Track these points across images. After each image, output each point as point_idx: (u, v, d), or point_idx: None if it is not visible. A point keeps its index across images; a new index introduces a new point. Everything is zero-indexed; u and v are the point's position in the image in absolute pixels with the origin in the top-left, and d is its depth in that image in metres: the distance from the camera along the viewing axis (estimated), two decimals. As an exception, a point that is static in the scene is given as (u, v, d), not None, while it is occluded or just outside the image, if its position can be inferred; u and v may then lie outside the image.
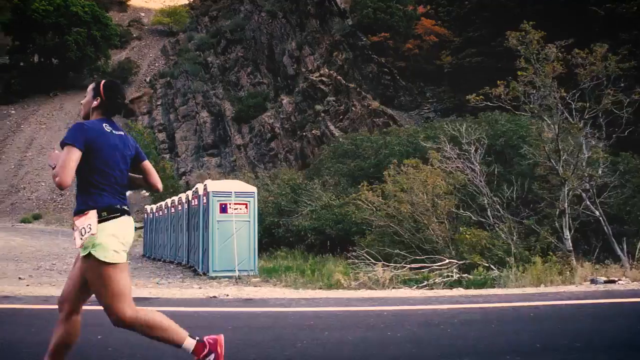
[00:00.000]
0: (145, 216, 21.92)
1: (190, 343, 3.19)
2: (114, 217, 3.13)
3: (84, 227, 3.08)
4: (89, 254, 3.05)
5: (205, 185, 12.77)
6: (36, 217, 36.53)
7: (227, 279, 11.74)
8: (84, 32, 48.77)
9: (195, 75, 44.76)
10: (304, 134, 30.56)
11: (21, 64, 49.65)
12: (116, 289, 3.09)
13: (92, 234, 3.04)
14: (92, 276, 3.09)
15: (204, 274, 12.11)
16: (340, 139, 20.33)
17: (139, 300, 6.57)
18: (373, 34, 36.12)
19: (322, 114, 30.33)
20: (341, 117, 29.78)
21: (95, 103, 3.35)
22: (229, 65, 45.29)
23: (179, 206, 16.45)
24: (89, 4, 51.24)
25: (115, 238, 3.12)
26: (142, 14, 65.06)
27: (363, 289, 9.28)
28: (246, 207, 12.38)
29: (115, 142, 3.30)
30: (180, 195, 16.96)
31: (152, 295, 7.11)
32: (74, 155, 3.11)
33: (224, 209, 12.19)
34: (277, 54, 41.41)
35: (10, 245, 24.55)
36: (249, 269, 12.15)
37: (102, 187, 3.18)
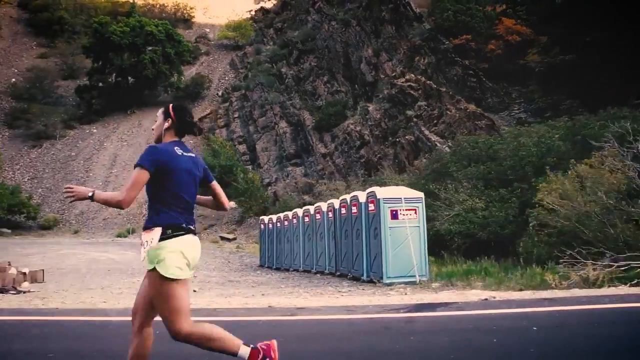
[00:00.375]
0: (262, 227, 22.21)
1: (245, 351, 3.32)
2: (178, 235, 3.27)
3: (147, 241, 3.27)
4: (154, 268, 3.21)
5: (371, 192, 12.88)
6: (130, 232, 37.55)
7: (404, 284, 11.80)
8: (159, 50, 50.05)
9: (271, 87, 45.32)
10: (397, 139, 30.53)
11: (100, 85, 51.21)
12: (175, 304, 3.23)
13: (152, 247, 3.22)
14: (155, 290, 3.26)
15: (378, 280, 12.16)
16: (464, 143, 20.19)
17: (442, 307, 6.69)
18: (454, 36, 35.90)
19: (415, 119, 30.23)
20: (435, 121, 29.64)
21: (166, 125, 3.52)
22: (303, 75, 45.72)
23: (317, 215, 16.64)
24: (162, 22, 52.62)
25: (179, 255, 3.25)
26: (207, 30, 66.36)
27: (575, 288, 9.21)
28: (415, 213, 12.44)
29: (186, 164, 3.46)
30: (318, 204, 17.16)
31: (451, 300, 7.18)
32: (142, 178, 3.30)
33: (394, 215, 12.28)
34: (354, 61, 41.57)
35: (126, 259, 25.32)
36: (421, 274, 12.19)
37: (170, 207, 3.34)
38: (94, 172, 45.02)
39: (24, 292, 12.88)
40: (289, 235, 19.02)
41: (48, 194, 43.23)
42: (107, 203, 3.36)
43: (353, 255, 13.79)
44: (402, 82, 33.16)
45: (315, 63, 45.47)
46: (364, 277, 12.98)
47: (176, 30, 55.99)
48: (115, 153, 47.02)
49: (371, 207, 12.73)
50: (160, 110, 3.64)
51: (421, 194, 12.92)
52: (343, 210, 14.58)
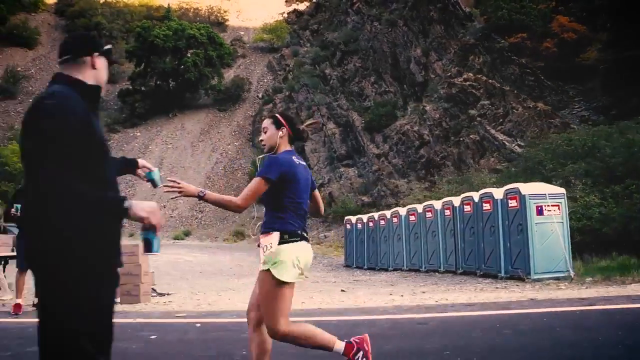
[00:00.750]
0: (349, 227, 22.23)
1: (340, 345, 3.47)
2: (294, 241, 3.41)
3: (266, 245, 3.41)
4: (268, 270, 3.35)
5: (513, 188, 12.87)
6: (186, 234, 37.74)
7: (553, 280, 11.80)
8: (202, 52, 50.34)
9: (315, 88, 45.40)
10: (461, 139, 30.50)
11: (142, 88, 51.53)
12: (281, 306, 3.36)
13: (272, 252, 3.36)
14: (265, 289, 3.39)
15: (526, 277, 12.12)
16: (558, 140, 20.15)
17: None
18: (507, 35, 35.81)
19: (478, 118, 30.19)
20: (501, 120, 29.58)
21: (281, 134, 3.62)
22: (347, 76, 45.77)
23: (427, 213, 16.65)
24: (204, 26, 52.98)
25: (293, 260, 3.38)
26: (242, 33, 66.63)
27: None
28: (558, 208, 12.43)
29: (303, 173, 3.60)
30: (429, 202, 17.21)
31: None
32: (263, 188, 3.43)
33: (540, 210, 12.28)
34: (402, 61, 41.55)
35: (203, 261, 25.46)
36: (565, 270, 12.17)
37: (289, 214, 3.47)
38: (142, 176, 45.24)
39: (166, 294, 12.95)
40: (385, 234, 19.02)
41: (98, 198, 43.48)
42: (222, 205, 3.47)
43: (484, 252, 13.77)
44: (461, 81, 33.13)
45: (359, 64, 45.50)
46: (502, 274, 12.96)
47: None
48: (161, 156, 47.29)
49: (513, 203, 12.71)
50: (269, 121, 3.70)
51: (563, 190, 12.93)
52: (467, 208, 14.59)
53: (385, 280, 14.92)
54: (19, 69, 55.99)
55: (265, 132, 3.70)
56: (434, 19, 41.07)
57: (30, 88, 55.19)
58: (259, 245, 3.57)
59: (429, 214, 16.59)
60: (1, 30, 59.41)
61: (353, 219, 22.18)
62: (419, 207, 17.29)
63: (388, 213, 19.29)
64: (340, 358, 3.52)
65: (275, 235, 3.42)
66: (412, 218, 17.52)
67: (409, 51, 41.41)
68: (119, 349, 5.09)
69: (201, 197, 3.42)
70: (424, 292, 11.06)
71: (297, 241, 3.45)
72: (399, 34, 42.69)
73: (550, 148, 19.92)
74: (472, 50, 36.50)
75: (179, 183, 3.42)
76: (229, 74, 56.74)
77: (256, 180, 3.46)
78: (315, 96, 44.65)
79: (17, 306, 7.87)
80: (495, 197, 13.31)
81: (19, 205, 7.81)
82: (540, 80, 33.87)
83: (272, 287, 3.37)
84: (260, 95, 53.54)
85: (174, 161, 46.56)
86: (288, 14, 66.86)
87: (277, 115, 3.75)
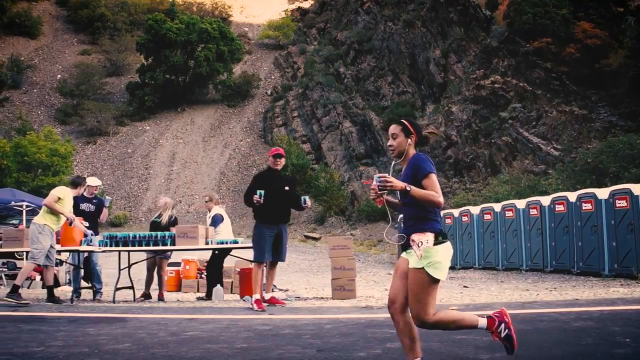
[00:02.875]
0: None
1: (483, 322, 3.69)
2: (445, 242, 3.61)
3: (421, 241, 3.56)
4: (423, 269, 3.52)
5: (622, 189, 13.14)
6: (207, 229, 37.39)
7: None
8: (214, 47, 49.98)
9: (330, 86, 45.42)
10: (492, 141, 30.82)
11: (152, 82, 50.86)
12: (433, 300, 3.57)
13: (428, 246, 3.52)
14: (418, 286, 3.55)
15: (637, 276, 12.41)
16: (619, 144, 20.53)
17: None
18: (532, 39, 36.29)
19: (510, 121, 30.58)
20: (534, 123, 29.98)
21: (410, 141, 3.80)
22: (362, 75, 45.90)
23: (507, 212, 16.87)
24: (215, 20, 52.63)
25: (447, 261, 3.62)
26: (246, 29, 66.31)
27: None
28: (668, 209, 12.73)
29: None
30: (510, 202, 17.41)
31: None
32: (437, 179, 3.67)
33: (651, 211, 12.57)
34: (420, 62, 41.83)
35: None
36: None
37: (437, 212, 3.69)
38: (154, 170, 44.84)
39: (285, 290, 12.91)
40: (452, 232, 19.17)
41: (111, 191, 42.90)
42: (428, 200, 3.57)
43: (582, 251, 14.01)
44: (489, 84, 33.50)
45: (374, 63, 45.67)
46: (606, 272, 13.21)
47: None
48: (173, 151, 46.83)
49: (621, 203, 12.96)
50: (398, 128, 3.86)
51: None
52: (559, 207, 14.82)
53: (478, 277, 15.06)
54: (22, 58, 54.89)
55: (394, 138, 3.84)
56: (453, 20, 41.46)
57: (35, 78, 54.20)
58: (400, 243, 3.70)
59: (508, 213, 16.79)
60: (2, 19, 58.22)
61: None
62: (497, 207, 17.49)
63: (456, 212, 19.45)
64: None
65: (430, 236, 3.56)
66: (487, 217, 17.71)
67: (427, 52, 41.69)
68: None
69: (408, 192, 3.55)
70: (549, 289, 11.19)
71: (447, 242, 3.62)
72: (417, 35, 42.93)
73: (612, 151, 20.24)
74: (496, 53, 36.91)
75: (389, 178, 3.57)
76: (236, 70, 56.41)
77: (433, 177, 3.63)
78: (330, 94, 44.67)
79: (258, 301, 7.73)
80: (599, 197, 13.55)
81: (262, 192, 7.74)
82: (565, 85, 34.41)
83: (426, 285, 3.51)
84: (268, 92, 53.41)
85: (186, 156, 46.16)
86: (292, 11, 66.86)
87: (405, 122, 3.87)
